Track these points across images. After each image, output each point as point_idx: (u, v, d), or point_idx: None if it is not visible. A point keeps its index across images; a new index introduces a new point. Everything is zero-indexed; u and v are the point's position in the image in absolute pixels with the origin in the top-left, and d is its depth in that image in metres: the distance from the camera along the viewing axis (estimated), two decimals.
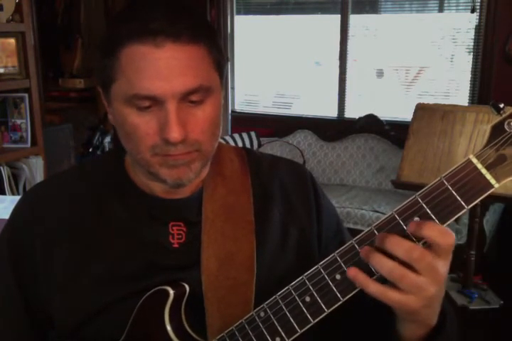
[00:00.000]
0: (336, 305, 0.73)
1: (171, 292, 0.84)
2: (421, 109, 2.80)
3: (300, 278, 0.76)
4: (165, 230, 0.90)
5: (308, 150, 4.29)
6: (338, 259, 0.73)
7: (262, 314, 0.78)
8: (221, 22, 4.48)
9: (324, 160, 4.23)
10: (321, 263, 0.74)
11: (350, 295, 0.72)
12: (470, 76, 3.90)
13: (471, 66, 3.89)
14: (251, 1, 4.64)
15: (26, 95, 2.87)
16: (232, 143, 4.16)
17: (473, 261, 3.02)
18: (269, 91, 4.77)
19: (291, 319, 0.76)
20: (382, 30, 4.24)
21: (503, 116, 0.67)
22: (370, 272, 0.71)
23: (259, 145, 4.42)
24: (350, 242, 0.72)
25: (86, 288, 0.88)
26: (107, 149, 4.36)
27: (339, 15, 4.23)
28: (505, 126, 0.66)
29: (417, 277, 0.67)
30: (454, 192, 0.67)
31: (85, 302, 0.87)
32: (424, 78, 4.18)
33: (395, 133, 3.99)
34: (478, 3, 3.74)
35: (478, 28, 3.80)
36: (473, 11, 3.75)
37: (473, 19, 3.81)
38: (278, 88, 4.73)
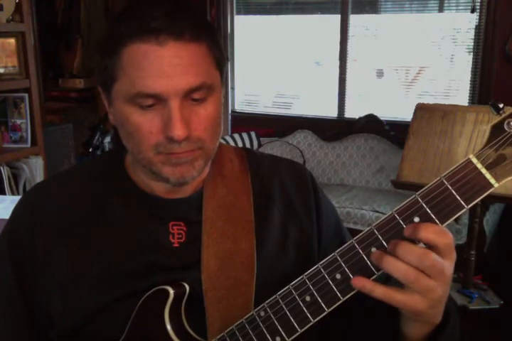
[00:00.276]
0: (336, 305, 0.73)
1: (171, 292, 0.84)
2: (421, 109, 2.80)
3: (300, 277, 0.76)
4: (165, 230, 0.90)
5: (308, 150, 4.29)
6: (338, 259, 0.73)
7: (262, 313, 0.78)
8: (221, 22, 4.48)
9: (324, 160, 4.23)
10: (321, 262, 0.74)
11: (350, 294, 0.73)
12: (470, 76, 3.90)
13: (471, 66, 3.89)
14: (251, 1, 4.64)
15: (26, 95, 2.87)
16: (232, 143, 4.16)
17: (473, 261, 3.02)
18: (269, 91, 4.77)
19: (291, 318, 0.76)
20: (382, 30, 4.24)
21: (503, 116, 0.67)
22: (370, 271, 0.71)
23: (259, 145, 4.42)
24: (350, 242, 0.72)
25: (86, 288, 0.88)
26: (107, 149, 4.36)
27: (339, 15, 4.23)
28: (505, 126, 0.66)
29: (429, 280, 0.68)
30: (453, 192, 0.67)
31: (85, 302, 0.87)
32: (424, 78, 4.18)
33: (395, 133, 4.00)
34: (478, 3, 3.74)
35: (478, 28, 3.80)
36: (473, 11, 3.75)
37: (473, 19, 3.81)
38: (278, 88, 4.73)
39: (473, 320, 2.83)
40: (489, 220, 3.36)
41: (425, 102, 2.87)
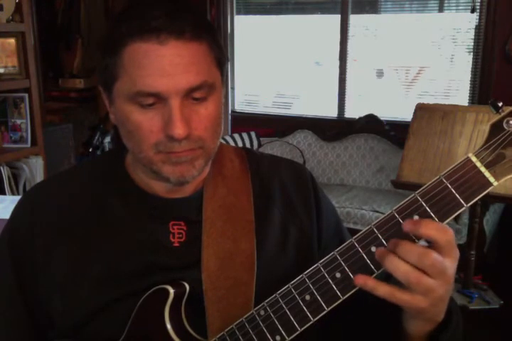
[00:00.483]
0: (336, 303, 0.73)
1: (171, 291, 0.84)
2: (421, 109, 2.80)
3: (300, 276, 0.76)
4: (165, 229, 0.90)
5: (308, 150, 4.29)
6: (338, 258, 0.73)
7: (262, 312, 0.78)
8: (221, 22, 4.48)
9: (324, 160, 4.23)
10: (321, 261, 0.74)
11: (350, 293, 0.73)
12: (470, 76, 3.90)
13: (471, 66, 3.89)
14: (251, 1, 4.64)
15: (26, 95, 2.87)
16: (232, 143, 4.16)
17: (473, 261, 3.02)
18: (269, 92, 4.77)
19: (291, 317, 0.76)
20: (382, 30, 4.24)
21: (502, 114, 0.67)
22: (369, 270, 0.71)
23: (259, 145, 4.42)
24: (349, 241, 0.72)
25: (86, 288, 0.88)
26: (107, 149, 4.36)
27: (339, 15, 4.23)
28: (504, 125, 0.66)
29: (430, 280, 0.68)
30: (453, 190, 0.67)
31: (85, 302, 0.87)
32: (424, 78, 4.18)
33: (395, 133, 4.00)
34: (478, 3, 3.74)
35: (478, 28, 3.80)
36: (473, 11, 3.75)
37: (473, 19, 3.81)
38: (278, 88, 4.73)
39: (473, 320, 2.83)
40: (489, 220, 3.36)
41: (425, 102, 2.87)
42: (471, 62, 3.89)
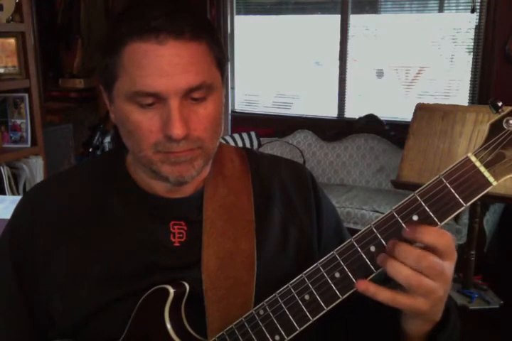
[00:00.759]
0: (335, 303, 0.74)
1: (171, 291, 0.84)
2: (421, 109, 2.80)
3: (299, 276, 0.76)
4: (166, 229, 0.91)
5: (308, 150, 4.29)
6: (337, 257, 0.73)
7: (262, 312, 0.78)
8: (221, 22, 4.48)
9: (324, 160, 4.23)
10: (320, 261, 0.74)
11: (349, 293, 0.73)
12: (470, 76, 3.90)
13: (471, 66, 3.89)
14: (251, 1, 4.64)
15: (26, 95, 2.87)
16: (232, 143, 4.16)
17: (473, 261, 3.02)
18: (269, 92, 4.77)
19: (290, 317, 0.76)
20: (382, 30, 4.24)
21: (502, 114, 0.67)
22: (369, 270, 0.71)
23: (259, 145, 4.42)
24: (349, 240, 0.72)
25: (86, 288, 0.88)
26: (107, 149, 4.36)
27: (339, 15, 4.23)
28: (504, 124, 0.66)
29: (430, 282, 0.68)
30: (452, 190, 0.67)
31: (85, 302, 0.87)
32: (424, 78, 4.18)
33: (395, 133, 4.00)
34: (478, 3, 3.74)
35: (478, 28, 3.80)
36: (473, 11, 3.75)
37: (473, 19, 3.81)
38: (278, 88, 4.73)
39: (473, 320, 2.83)
40: (489, 220, 3.36)
41: (425, 102, 2.87)
42: (471, 62, 3.89)
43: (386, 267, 0.69)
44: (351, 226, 3.55)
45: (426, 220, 0.69)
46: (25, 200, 0.97)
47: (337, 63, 4.31)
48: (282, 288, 0.77)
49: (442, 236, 0.68)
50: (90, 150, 4.27)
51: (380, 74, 4.40)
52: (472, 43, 3.86)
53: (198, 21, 0.82)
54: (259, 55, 4.67)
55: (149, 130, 0.81)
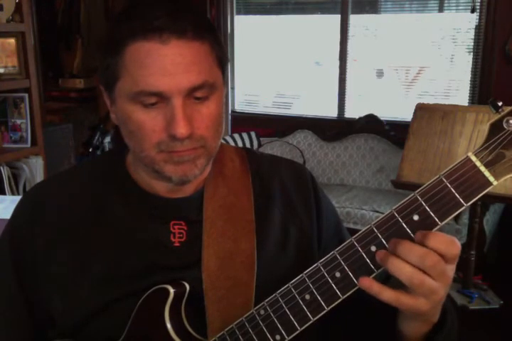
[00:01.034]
0: (336, 303, 0.73)
1: (171, 291, 0.84)
2: (421, 109, 2.80)
3: (300, 275, 0.76)
4: (166, 229, 0.91)
5: (308, 150, 4.29)
6: (338, 257, 0.73)
7: (262, 312, 0.78)
8: (221, 22, 4.48)
9: (324, 160, 4.23)
10: (321, 261, 0.74)
11: (349, 292, 0.73)
12: (470, 76, 3.90)
13: (471, 66, 3.89)
14: (251, 1, 4.64)
15: (26, 95, 2.87)
16: (232, 143, 4.16)
17: (473, 261, 3.02)
18: (269, 92, 4.77)
19: (291, 317, 0.76)
20: (382, 30, 4.24)
21: (502, 114, 0.67)
22: (369, 269, 0.71)
23: (259, 145, 4.42)
24: (349, 240, 0.72)
25: (86, 288, 0.88)
26: (107, 149, 4.36)
27: (339, 15, 4.22)
28: (504, 124, 0.66)
29: (432, 282, 0.68)
30: (452, 190, 0.67)
31: (85, 302, 0.87)
32: (424, 78, 4.18)
33: (395, 133, 4.00)
34: (478, 3, 3.74)
35: (478, 28, 3.80)
36: (473, 11, 3.75)
37: (473, 19, 3.81)
38: (278, 88, 4.73)
39: (473, 320, 2.83)
40: (489, 220, 3.36)
41: (425, 102, 2.88)
42: (471, 62, 3.89)
43: (387, 265, 0.69)
44: (351, 226, 3.55)
45: (426, 220, 0.69)
46: (25, 200, 0.97)
47: (337, 63, 4.31)
48: (283, 288, 0.77)
49: (452, 245, 0.68)
50: (90, 150, 4.27)
51: (380, 74, 4.40)
52: (472, 43, 3.86)
53: (200, 21, 0.83)
54: (259, 55, 4.67)
55: (152, 129, 0.81)
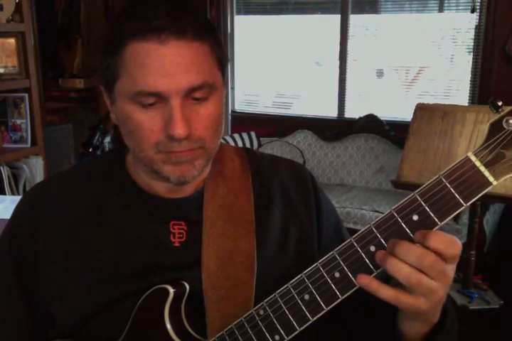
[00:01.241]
0: (335, 303, 0.73)
1: (171, 291, 0.84)
2: (421, 109, 2.80)
3: (299, 276, 0.76)
4: (166, 229, 0.91)
5: (308, 150, 4.29)
6: (337, 257, 0.73)
7: (262, 312, 0.78)
8: (221, 22, 4.48)
9: (324, 160, 4.23)
10: (320, 261, 0.74)
11: (349, 293, 0.73)
12: (470, 76, 3.90)
13: (471, 66, 3.89)
14: (251, 1, 4.64)
15: (26, 95, 2.87)
16: (232, 143, 4.16)
17: (473, 261, 3.02)
18: (269, 92, 4.77)
19: (290, 317, 0.76)
20: (382, 30, 4.24)
21: (502, 113, 0.67)
22: (368, 269, 0.71)
23: (259, 145, 4.42)
24: (348, 240, 0.72)
25: (86, 288, 0.88)
26: (107, 149, 4.36)
27: (339, 15, 4.23)
28: (504, 124, 0.66)
29: (431, 281, 0.68)
30: (452, 190, 0.67)
31: (85, 302, 0.87)
32: (424, 78, 4.18)
33: (395, 133, 4.00)
34: (478, 3, 3.74)
35: (478, 28, 3.80)
36: (473, 11, 3.75)
37: (473, 19, 3.81)
38: (278, 88, 4.73)
39: (473, 320, 2.83)
40: (489, 220, 3.36)
41: (425, 102, 2.87)
42: (471, 62, 3.89)
43: (386, 265, 0.69)
44: (351, 226, 3.55)
45: (426, 220, 0.69)
46: (25, 200, 0.97)
47: (337, 63, 4.31)
48: (282, 288, 0.77)
49: (452, 245, 0.68)
50: (90, 150, 4.27)
51: (380, 74, 4.40)
52: (472, 43, 3.86)
53: (200, 21, 0.83)
54: (259, 55, 4.67)
55: (151, 130, 0.81)
